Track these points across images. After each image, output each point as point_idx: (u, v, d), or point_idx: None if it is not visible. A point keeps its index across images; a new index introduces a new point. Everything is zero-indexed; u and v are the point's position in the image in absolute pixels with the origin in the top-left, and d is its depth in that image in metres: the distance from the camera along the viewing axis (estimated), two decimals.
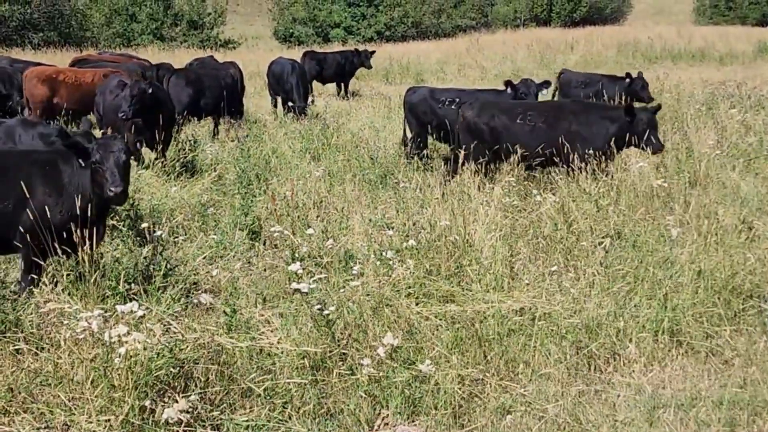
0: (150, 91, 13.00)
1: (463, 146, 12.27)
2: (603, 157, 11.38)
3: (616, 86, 18.31)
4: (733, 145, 13.79)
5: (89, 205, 7.40)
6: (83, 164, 7.44)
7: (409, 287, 7.50)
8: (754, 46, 40.67)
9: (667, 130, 14.69)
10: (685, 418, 5.99)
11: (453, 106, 13.91)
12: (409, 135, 14.61)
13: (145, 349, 5.70)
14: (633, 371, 6.74)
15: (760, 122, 15.95)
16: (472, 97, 14.07)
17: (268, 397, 5.96)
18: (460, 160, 12.04)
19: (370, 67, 27.80)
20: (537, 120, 11.92)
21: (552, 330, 6.97)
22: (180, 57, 32.36)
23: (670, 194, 10.51)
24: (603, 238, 8.86)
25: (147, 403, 5.57)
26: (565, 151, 11.27)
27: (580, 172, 10.88)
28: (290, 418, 5.80)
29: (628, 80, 18.43)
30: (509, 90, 13.31)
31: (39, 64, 20.24)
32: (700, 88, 21.18)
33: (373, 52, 28.21)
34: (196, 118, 17.58)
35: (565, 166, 11.25)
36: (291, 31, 59.27)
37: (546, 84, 13.74)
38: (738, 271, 7.99)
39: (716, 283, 7.71)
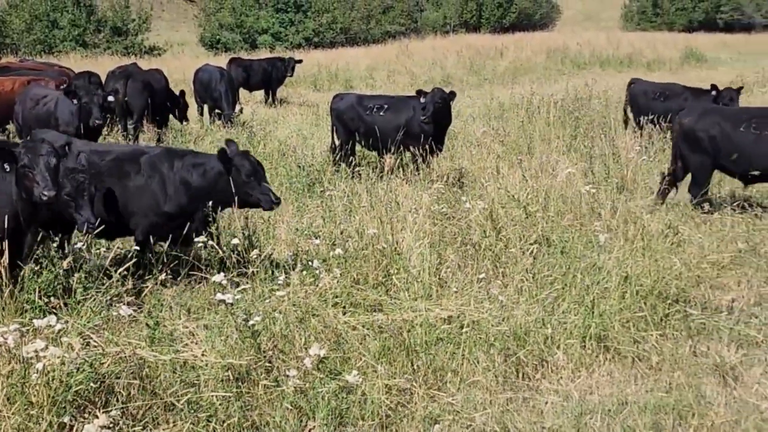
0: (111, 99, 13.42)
1: (679, 158, 11.94)
2: None
3: (702, 100, 16.08)
4: (660, 151, 14.03)
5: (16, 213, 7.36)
6: (8, 169, 7.36)
7: (336, 297, 7.49)
8: (681, 52, 41.58)
9: (595, 136, 14.89)
10: (612, 423, 6.07)
11: (381, 113, 13.96)
12: (336, 142, 14.60)
13: (63, 364, 5.61)
14: (561, 378, 6.81)
15: None
16: (401, 104, 14.13)
17: (192, 411, 5.89)
18: (680, 174, 11.82)
19: (291, 75, 27.65)
20: (764, 128, 11.29)
21: (480, 338, 6.99)
22: (103, 64, 31.96)
23: (598, 200, 10.63)
24: (531, 244, 8.93)
25: (66, 419, 5.48)
26: None
27: None
28: None
29: (714, 93, 16.06)
30: (422, 99, 13.27)
31: None
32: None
33: (299, 61, 28.05)
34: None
35: None
36: (218, 37, 58.80)
37: (452, 95, 13.62)
38: (664, 276, 8.11)
39: (643, 289, 7.82)
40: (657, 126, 15.57)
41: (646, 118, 15.87)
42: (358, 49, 50.11)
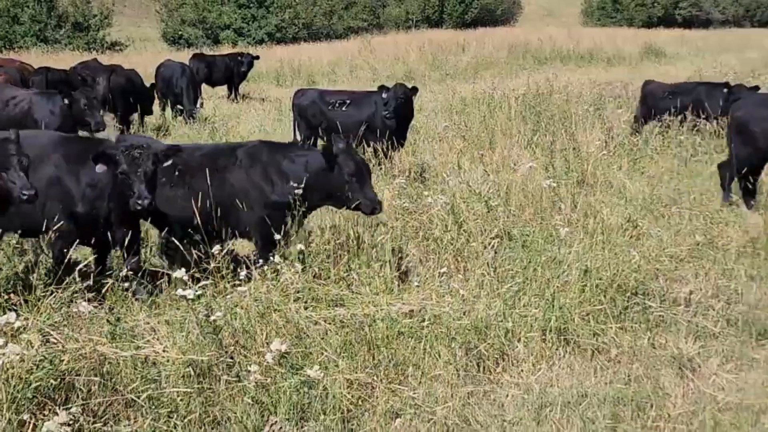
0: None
1: (734, 151, 11.70)
2: None
3: (715, 97, 16.08)
4: (620, 145, 14.12)
5: None
6: None
7: (298, 292, 7.44)
8: (641, 47, 41.81)
9: (556, 131, 14.95)
10: (572, 415, 6.11)
11: (343, 108, 13.95)
12: (299, 137, 14.57)
13: (23, 361, 5.55)
14: (521, 371, 6.83)
15: None
16: (363, 99, 14.14)
17: (153, 407, 5.85)
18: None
19: (247, 70, 27.38)
20: None
21: (441, 332, 6.97)
22: (65, 60, 31.68)
23: (559, 194, 10.68)
24: (493, 238, 8.95)
25: (25, 416, 5.43)
26: None
27: None
28: (175, 428, 5.72)
29: (726, 90, 15.83)
30: (384, 95, 13.29)
31: None
32: (588, 89, 21.60)
33: (257, 57, 27.82)
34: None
35: None
36: (180, 33, 58.47)
37: (414, 90, 13.64)
38: (623, 269, 8.17)
39: (602, 282, 7.86)
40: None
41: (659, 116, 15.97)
42: (321, 45, 49.95)
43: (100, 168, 7.61)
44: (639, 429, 5.98)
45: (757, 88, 15.99)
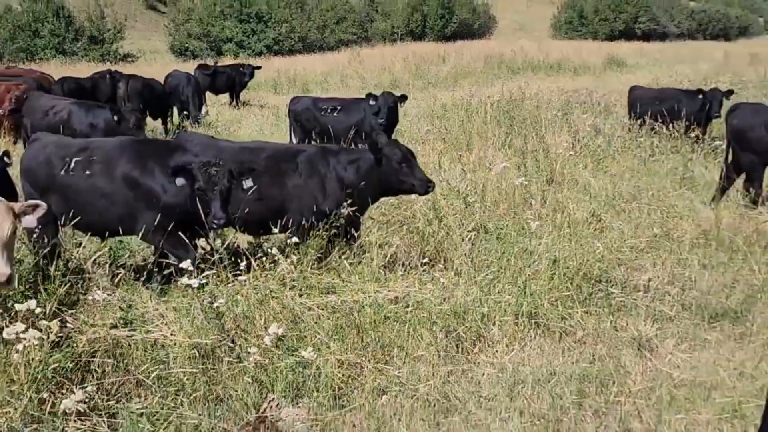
0: None
1: (735, 158, 11.45)
2: None
3: (693, 102, 15.95)
4: (585, 147, 14.12)
5: None
6: None
7: (293, 280, 7.43)
8: (604, 58, 41.88)
9: (528, 133, 14.96)
10: (542, 391, 6.11)
11: (334, 114, 13.97)
12: (294, 141, 14.57)
13: (42, 344, 5.54)
14: (496, 351, 6.83)
15: (608, 126, 16.38)
16: (352, 106, 14.17)
17: (161, 386, 5.85)
18: (732, 175, 11.34)
19: (249, 79, 27.30)
20: None
21: (424, 316, 6.97)
22: (81, 70, 31.54)
23: (530, 191, 10.69)
24: (470, 231, 8.95)
25: (45, 395, 5.42)
26: None
27: None
28: (182, 405, 5.70)
29: (700, 96, 15.74)
30: (372, 102, 13.33)
31: None
32: (556, 96, 21.61)
33: (258, 67, 27.77)
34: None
35: None
36: (186, 45, 58.33)
37: (402, 98, 13.70)
38: (588, 259, 8.17)
39: (569, 270, 7.86)
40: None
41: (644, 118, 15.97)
42: (314, 56, 49.84)
43: (179, 181, 7.51)
44: (602, 404, 5.99)
45: (731, 92, 16.01)
